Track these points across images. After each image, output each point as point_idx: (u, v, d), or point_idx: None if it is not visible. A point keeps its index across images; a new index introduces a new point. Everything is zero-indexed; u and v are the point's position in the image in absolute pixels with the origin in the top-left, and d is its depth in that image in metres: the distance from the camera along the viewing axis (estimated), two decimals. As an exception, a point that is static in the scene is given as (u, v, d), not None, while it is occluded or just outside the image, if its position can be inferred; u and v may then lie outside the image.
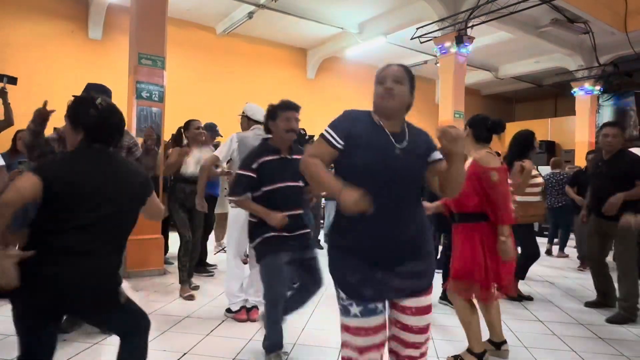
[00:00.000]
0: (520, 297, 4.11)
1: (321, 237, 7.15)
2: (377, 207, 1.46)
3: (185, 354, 2.71)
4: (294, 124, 2.58)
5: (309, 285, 2.67)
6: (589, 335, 3.28)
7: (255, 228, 2.60)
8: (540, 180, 4.05)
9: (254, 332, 3.11)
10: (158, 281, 4.52)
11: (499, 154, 4.83)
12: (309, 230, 2.70)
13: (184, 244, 4.00)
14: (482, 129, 2.62)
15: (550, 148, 12.13)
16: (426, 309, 1.67)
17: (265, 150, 2.58)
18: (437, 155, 1.68)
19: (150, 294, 4.05)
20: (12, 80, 3.82)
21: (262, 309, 3.08)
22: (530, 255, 4.13)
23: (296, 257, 2.59)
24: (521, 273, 4.12)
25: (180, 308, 3.62)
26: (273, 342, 2.59)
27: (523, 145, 3.90)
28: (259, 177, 2.52)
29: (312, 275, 2.64)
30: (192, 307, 3.64)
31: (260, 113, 3.49)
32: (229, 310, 3.42)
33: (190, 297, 3.88)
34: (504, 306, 3.92)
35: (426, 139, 1.72)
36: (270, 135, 2.66)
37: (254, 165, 2.52)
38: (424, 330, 1.66)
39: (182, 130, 4.42)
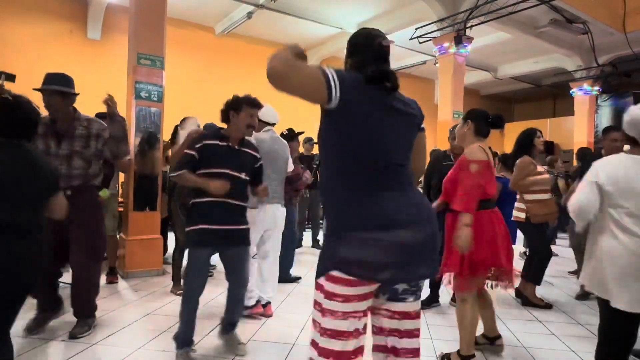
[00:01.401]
0: (544, 305, 3.97)
1: (320, 237, 7.15)
2: None
3: (184, 354, 2.71)
4: (255, 121, 2.75)
5: (233, 287, 2.76)
6: (588, 335, 3.28)
7: (193, 212, 2.64)
8: (547, 177, 4.04)
9: (254, 332, 3.11)
10: (157, 281, 4.51)
11: (496, 154, 4.84)
12: (245, 227, 2.73)
13: (182, 246, 4.06)
14: (483, 123, 2.59)
15: (549, 148, 12.13)
16: None
17: (213, 135, 2.68)
18: None
19: (149, 294, 4.04)
20: (10, 78, 3.81)
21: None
22: (544, 257, 4.03)
23: (227, 252, 2.69)
24: (537, 278, 4.02)
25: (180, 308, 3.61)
26: (183, 338, 2.63)
27: (522, 143, 3.92)
28: (199, 158, 2.58)
29: (235, 275, 2.73)
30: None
31: (272, 116, 3.51)
32: (244, 307, 3.40)
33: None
34: (504, 306, 3.94)
35: None
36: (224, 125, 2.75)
37: (197, 145, 2.61)
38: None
39: (178, 127, 4.41)
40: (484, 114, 2.63)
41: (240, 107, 2.67)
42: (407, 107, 1.56)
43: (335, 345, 1.41)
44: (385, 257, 1.39)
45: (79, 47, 8.32)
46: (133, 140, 4.73)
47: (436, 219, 1.56)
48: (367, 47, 1.55)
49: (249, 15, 8.59)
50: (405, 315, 1.54)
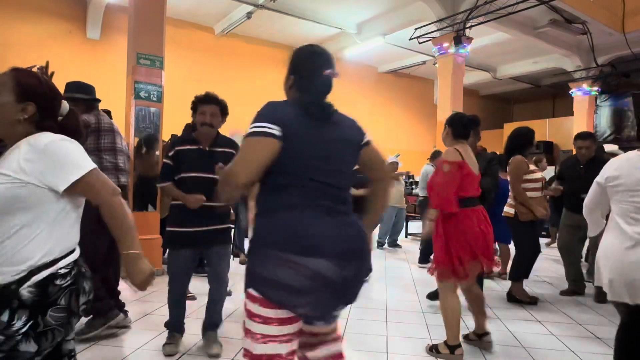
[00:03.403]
0: (529, 300, 4.03)
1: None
2: None
3: (184, 354, 2.71)
4: (207, 118, 2.62)
5: (212, 286, 2.82)
6: (587, 335, 3.29)
7: (171, 214, 2.74)
8: (539, 175, 4.07)
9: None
10: (157, 281, 4.49)
11: (485, 149, 4.85)
12: (225, 226, 2.76)
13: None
14: (459, 126, 2.79)
15: (548, 148, 12.15)
16: None
17: (184, 140, 2.71)
18: None
19: (149, 294, 4.04)
20: None
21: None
22: (533, 253, 4.09)
23: (207, 252, 2.75)
24: (525, 272, 4.08)
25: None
26: (171, 322, 2.77)
27: (519, 142, 3.93)
28: (174, 164, 2.63)
29: (215, 273, 2.79)
30: (191, 307, 3.63)
31: None
32: None
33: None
34: (503, 307, 3.94)
35: None
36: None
37: (171, 153, 2.65)
38: None
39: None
40: (460, 117, 2.86)
41: (196, 107, 2.67)
42: (343, 129, 1.49)
43: None
44: (300, 285, 1.28)
45: (78, 47, 8.32)
46: (132, 140, 4.73)
47: (369, 255, 1.48)
48: (312, 74, 1.48)
49: (249, 15, 8.59)
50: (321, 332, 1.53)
